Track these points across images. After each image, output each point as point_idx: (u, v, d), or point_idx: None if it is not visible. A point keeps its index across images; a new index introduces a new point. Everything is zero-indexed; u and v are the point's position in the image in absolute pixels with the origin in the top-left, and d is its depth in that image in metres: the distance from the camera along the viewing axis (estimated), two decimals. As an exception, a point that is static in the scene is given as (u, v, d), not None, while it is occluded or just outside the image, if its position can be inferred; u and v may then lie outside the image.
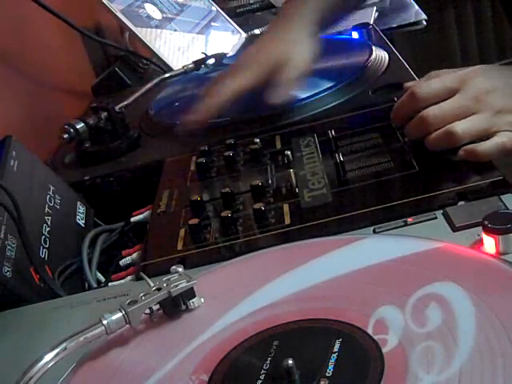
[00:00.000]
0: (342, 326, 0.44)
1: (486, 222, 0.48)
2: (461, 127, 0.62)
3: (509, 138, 0.62)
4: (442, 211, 0.55)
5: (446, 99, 0.64)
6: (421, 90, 0.65)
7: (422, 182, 0.62)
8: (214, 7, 1.48)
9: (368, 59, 0.93)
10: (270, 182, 0.69)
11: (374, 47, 0.98)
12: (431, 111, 0.63)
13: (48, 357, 0.45)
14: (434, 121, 0.63)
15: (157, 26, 1.26)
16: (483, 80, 0.64)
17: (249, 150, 0.76)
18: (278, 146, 0.77)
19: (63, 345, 0.45)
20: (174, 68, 1.19)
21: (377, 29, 1.16)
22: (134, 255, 0.66)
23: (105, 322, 0.47)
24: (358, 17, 1.27)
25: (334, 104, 0.85)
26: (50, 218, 0.71)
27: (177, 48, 1.26)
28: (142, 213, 0.73)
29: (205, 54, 1.17)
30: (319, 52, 0.87)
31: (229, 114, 0.85)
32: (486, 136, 0.62)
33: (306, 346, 0.44)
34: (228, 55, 1.22)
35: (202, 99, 0.85)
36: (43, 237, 0.69)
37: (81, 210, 0.78)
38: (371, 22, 1.25)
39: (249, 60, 0.87)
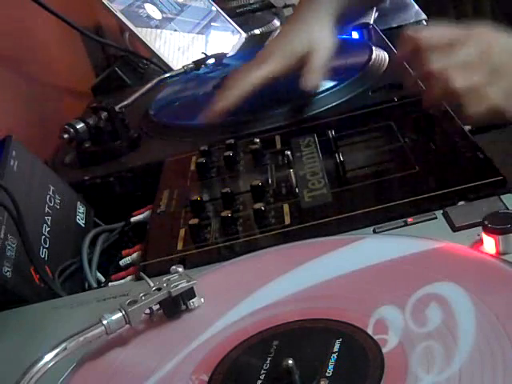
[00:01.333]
0: (342, 326, 0.44)
1: (486, 222, 0.48)
2: (460, 83, 0.64)
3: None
4: (442, 211, 0.55)
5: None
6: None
7: (422, 182, 0.62)
8: (214, 7, 1.48)
9: (368, 59, 0.93)
10: (270, 182, 0.69)
11: (373, 47, 0.97)
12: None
13: (48, 357, 0.45)
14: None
15: (157, 26, 1.26)
16: (491, 35, 0.66)
17: (249, 150, 0.76)
18: (278, 146, 0.77)
19: (63, 345, 0.45)
20: (174, 68, 1.19)
21: (377, 29, 1.16)
22: (134, 255, 0.66)
23: (105, 322, 0.47)
24: (358, 17, 1.27)
25: (333, 104, 0.85)
26: (49, 218, 0.71)
27: (177, 48, 1.26)
28: (141, 213, 0.73)
29: (205, 54, 1.17)
30: (338, 43, 0.89)
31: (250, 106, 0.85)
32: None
33: (306, 346, 0.44)
34: (228, 55, 1.22)
35: (226, 89, 0.86)
36: (43, 237, 0.69)
37: (81, 210, 0.78)
38: (371, 22, 1.25)
39: (274, 50, 0.88)
